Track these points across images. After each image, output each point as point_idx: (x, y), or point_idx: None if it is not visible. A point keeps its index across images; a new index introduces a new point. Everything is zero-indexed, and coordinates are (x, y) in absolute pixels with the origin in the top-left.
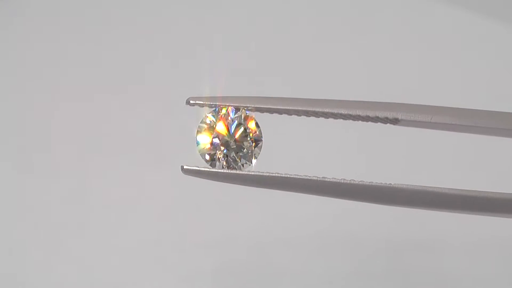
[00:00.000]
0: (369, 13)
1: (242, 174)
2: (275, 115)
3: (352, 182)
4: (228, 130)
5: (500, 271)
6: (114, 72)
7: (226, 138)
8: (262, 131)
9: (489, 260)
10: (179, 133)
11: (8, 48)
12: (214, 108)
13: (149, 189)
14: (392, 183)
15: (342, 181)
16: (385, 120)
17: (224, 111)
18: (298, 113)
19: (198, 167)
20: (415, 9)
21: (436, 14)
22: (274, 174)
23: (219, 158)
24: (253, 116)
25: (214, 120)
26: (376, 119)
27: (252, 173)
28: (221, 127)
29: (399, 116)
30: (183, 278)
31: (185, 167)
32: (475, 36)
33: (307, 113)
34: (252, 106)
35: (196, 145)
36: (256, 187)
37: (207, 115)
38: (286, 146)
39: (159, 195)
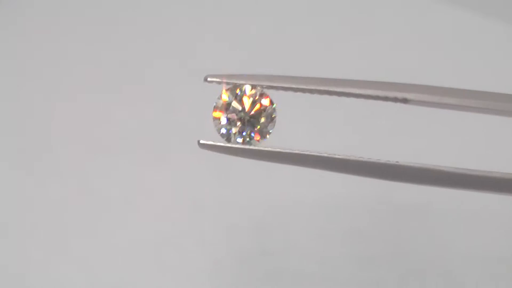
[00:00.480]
0: (369, 13)
1: (255, 149)
2: (290, 92)
3: (360, 159)
4: (244, 107)
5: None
6: (114, 72)
7: (242, 114)
8: (276, 108)
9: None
10: (179, 133)
11: (8, 48)
12: (230, 85)
13: (149, 189)
14: (399, 161)
15: (351, 158)
16: (395, 100)
17: (240, 88)
18: (311, 91)
19: (214, 141)
20: (415, 9)
21: (436, 14)
22: (286, 150)
23: (234, 134)
24: (268, 94)
25: (231, 97)
26: (385, 99)
27: (266, 149)
28: (236, 104)
29: (408, 96)
30: (183, 278)
31: (201, 141)
32: (475, 36)
33: (320, 92)
34: (267, 84)
35: (212, 120)
36: (269, 161)
37: (224, 91)
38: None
39: (159, 195)
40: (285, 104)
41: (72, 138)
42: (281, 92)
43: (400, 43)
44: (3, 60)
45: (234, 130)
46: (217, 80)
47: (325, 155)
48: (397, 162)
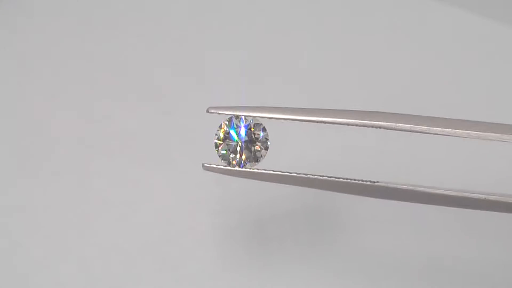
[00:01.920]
0: (369, 13)
1: (252, 171)
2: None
3: (341, 180)
4: (241, 135)
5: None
6: (114, 72)
7: (239, 141)
8: (268, 135)
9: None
10: (179, 133)
11: (8, 48)
12: (229, 116)
13: (150, 189)
14: (379, 181)
15: (332, 179)
16: (372, 126)
17: (238, 118)
18: (298, 121)
19: (216, 164)
20: (414, 9)
21: (435, 14)
22: (277, 172)
23: (233, 158)
24: (262, 122)
25: (229, 127)
26: (364, 126)
27: (259, 171)
28: (234, 133)
29: (382, 125)
30: (183, 278)
31: (205, 164)
32: (475, 36)
33: (306, 121)
34: (260, 115)
35: (214, 147)
36: (264, 181)
37: (223, 122)
38: (290, 147)
39: (159, 195)
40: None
41: (72, 138)
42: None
43: (400, 43)
44: (3, 60)
45: (233, 155)
46: (217, 112)
47: (310, 176)
48: (377, 182)
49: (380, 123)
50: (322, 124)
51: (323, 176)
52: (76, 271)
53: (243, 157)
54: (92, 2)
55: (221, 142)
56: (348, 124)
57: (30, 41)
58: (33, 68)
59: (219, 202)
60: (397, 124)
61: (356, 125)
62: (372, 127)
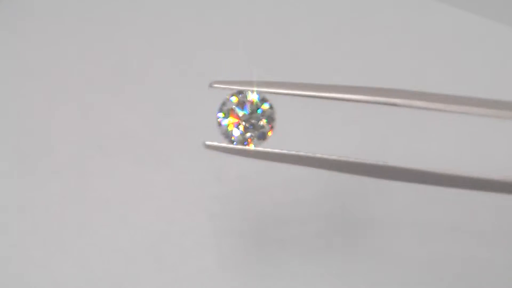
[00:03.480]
0: (369, 13)
1: (256, 150)
2: (288, 97)
3: (351, 160)
4: (246, 111)
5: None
6: (114, 72)
7: (244, 117)
8: (275, 112)
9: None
10: (179, 133)
11: (8, 48)
12: (234, 91)
13: (149, 189)
14: (387, 162)
15: (343, 159)
16: (385, 104)
17: (242, 93)
18: (308, 97)
19: (218, 143)
20: (414, 9)
21: (436, 14)
22: (283, 151)
23: (237, 135)
24: (268, 98)
25: (234, 102)
26: (376, 103)
27: (265, 150)
28: (239, 108)
29: (397, 102)
30: (183, 278)
31: (206, 142)
32: (475, 36)
33: (316, 97)
34: (267, 90)
35: (216, 123)
36: (268, 161)
37: (227, 97)
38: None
39: (159, 195)
40: (284, 107)
41: (72, 138)
42: (280, 96)
43: (400, 43)
44: (3, 60)
45: (236, 132)
46: (222, 86)
47: (318, 156)
48: (385, 162)
49: (395, 100)
50: (331, 102)
51: (332, 156)
52: (76, 271)
53: (248, 134)
54: (92, 2)
55: (224, 118)
56: (360, 101)
57: (30, 41)
58: (33, 68)
59: (219, 202)
60: (413, 101)
61: (369, 101)
62: (386, 104)
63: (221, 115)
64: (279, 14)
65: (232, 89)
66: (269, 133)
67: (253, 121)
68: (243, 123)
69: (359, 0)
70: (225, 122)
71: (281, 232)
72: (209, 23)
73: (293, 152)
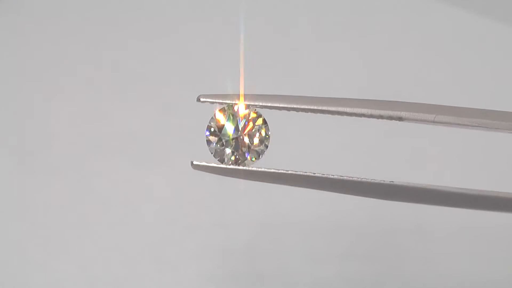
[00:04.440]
0: (369, 13)
1: (249, 170)
2: (284, 111)
3: (353, 179)
4: (237, 128)
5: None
6: (114, 72)
7: (235, 135)
8: (269, 128)
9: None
10: (179, 133)
11: (8, 48)
12: (223, 106)
13: (149, 189)
14: (394, 181)
15: (345, 178)
16: (389, 118)
17: (233, 108)
18: (305, 110)
19: (207, 162)
20: (414, 9)
21: (436, 14)
22: (280, 171)
23: (227, 154)
24: (261, 113)
25: (223, 117)
26: (380, 117)
27: (259, 169)
28: (229, 125)
29: (403, 115)
30: (183, 278)
31: (194, 162)
32: (475, 36)
33: (314, 111)
34: (260, 104)
35: (206, 142)
36: (262, 182)
37: (217, 111)
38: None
39: (159, 195)
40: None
41: (72, 138)
42: (275, 111)
43: (400, 43)
44: (3, 60)
45: (227, 150)
46: (210, 100)
47: (318, 175)
48: (391, 182)
49: (401, 113)
50: (326, 117)
51: (332, 175)
52: (76, 271)
53: (241, 152)
54: (92, 2)
55: (214, 136)
56: (364, 115)
57: (30, 41)
58: (33, 68)
59: (219, 202)
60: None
61: (373, 116)
62: (391, 118)
63: (208, 133)
64: (279, 14)
65: (222, 103)
66: (263, 151)
67: (244, 138)
68: (233, 141)
69: (359, 0)
70: (213, 140)
71: (283, 232)
72: (209, 23)
73: (290, 172)
